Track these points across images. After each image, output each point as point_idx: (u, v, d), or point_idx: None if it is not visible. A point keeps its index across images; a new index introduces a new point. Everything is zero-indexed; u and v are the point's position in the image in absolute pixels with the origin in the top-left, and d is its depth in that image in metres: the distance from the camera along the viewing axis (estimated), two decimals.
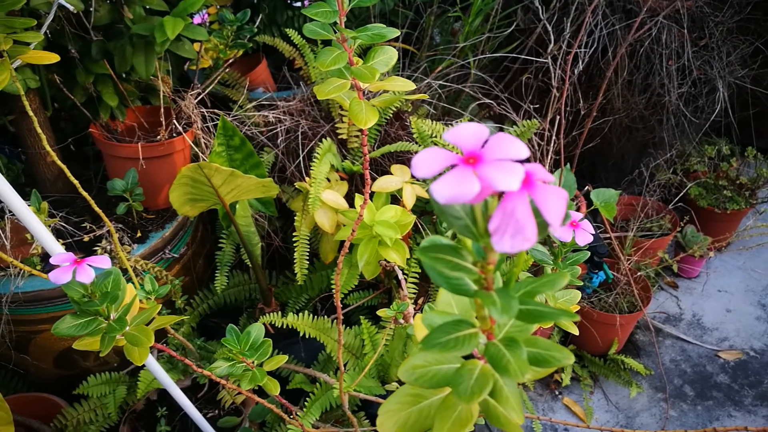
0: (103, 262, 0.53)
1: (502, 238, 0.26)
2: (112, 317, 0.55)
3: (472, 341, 0.35)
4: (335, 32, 0.44)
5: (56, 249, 0.88)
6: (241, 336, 0.67)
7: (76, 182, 0.92)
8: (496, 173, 0.23)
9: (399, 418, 0.44)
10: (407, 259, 1.26)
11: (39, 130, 0.87)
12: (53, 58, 0.72)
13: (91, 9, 1.29)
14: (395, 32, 0.45)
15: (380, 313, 1.08)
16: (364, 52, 0.49)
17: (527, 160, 0.25)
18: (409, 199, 1.30)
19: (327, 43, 0.45)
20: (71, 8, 1.08)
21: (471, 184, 0.23)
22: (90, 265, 0.52)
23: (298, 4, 1.96)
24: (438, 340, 0.34)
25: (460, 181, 0.23)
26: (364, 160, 0.58)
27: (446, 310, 0.44)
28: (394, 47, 1.41)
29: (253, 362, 0.68)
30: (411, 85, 0.47)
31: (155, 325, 0.60)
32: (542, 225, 0.26)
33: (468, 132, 0.26)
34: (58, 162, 0.90)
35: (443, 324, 0.35)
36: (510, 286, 0.33)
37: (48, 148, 0.88)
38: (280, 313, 1.27)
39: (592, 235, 1.58)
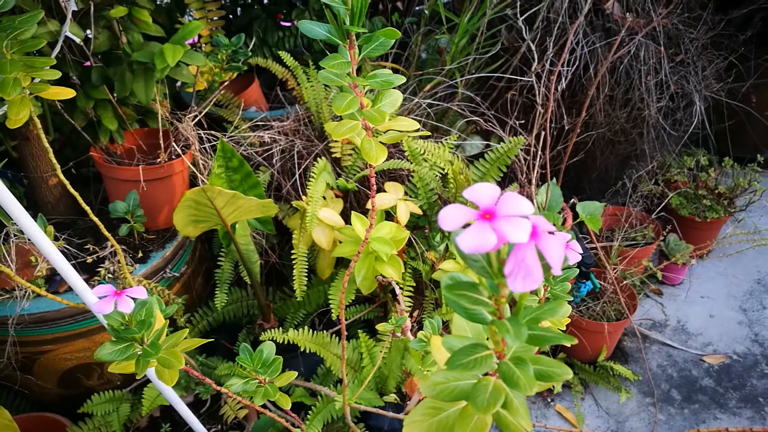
0: (140, 293, 0.56)
1: (516, 281, 0.32)
2: (145, 342, 0.58)
3: (488, 362, 0.40)
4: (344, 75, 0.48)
5: (68, 270, 0.91)
6: (254, 354, 0.71)
7: (87, 208, 0.96)
8: (509, 228, 0.29)
9: (423, 428, 0.48)
10: (402, 273, 1.31)
11: (52, 159, 0.91)
12: (69, 93, 0.76)
13: (91, 36, 1.33)
14: (401, 79, 0.49)
15: (379, 327, 1.12)
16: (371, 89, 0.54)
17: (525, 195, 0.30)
18: (403, 216, 1.35)
19: (319, 67, 0.50)
20: (77, 40, 1.12)
21: (489, 238, 0.28)
22: (128, 296, 0.56)
23: (288, 24, 2.02)
24: (460, 362, 0.40)
25: (481, 235, 0.28)
26: (372, 199, 0.62)
27: (461, 333, 0.48)
28: (384, 67, 1.46)
29: (265, 379, 0.72)
30: (416, 125, 0.52)
31: (182, 348, 0.64)
32: (546, 267, 0.32)
33: (483, 191, 0.31)
34: (70, 188, 0.94)
35: (463, 348, 0.40)
36: (519, 315, 0.38)
37: (60, 173, 0.92)
38: (280, 329, 1.31)
39: (581, 253, 1.64)
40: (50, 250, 0.86)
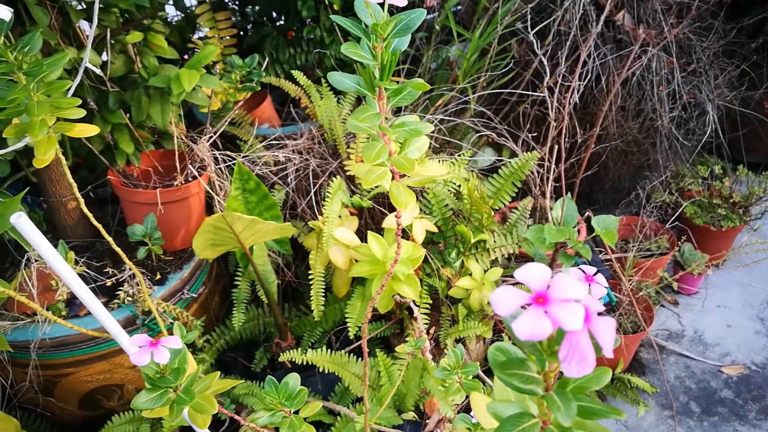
0: (175, 342, 0.57)
1: (570, 365, 0.33)
2: (179, 389, 0.59)
3: (534, 430, 0.40)
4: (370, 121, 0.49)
5: (87, 297, 0.92)
6: (279, 386, 0.72)
7: (106, 235, 0.97)
8: (563, 314, 0.29)
9: None
10: (419, 291, 1.31)
11: (71, 181, 0.92)
12: (94, 130, 0.78)
13: (107, 61, 1.35)
14: (429, 127, 0.50)
15: (399, 349, 1.13)
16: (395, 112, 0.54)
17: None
18: (419, 235, 1.35)
19: (332, 87, 0.50)
20: (97, 70, 1.13)
21: (545, 326, 0.29)
22: (164, 346, 0.56)
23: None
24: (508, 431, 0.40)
25: (536, 323, 0.29)
26: (398, 248, 0.63)
27: (503, 396, 0.49)
28: (397, 83, 1.47)
29: (290, 410, 0.72)
30: (444, 171, 0.52)
31: (212, 390, 0.65)
32: (597, 347, 0.33)
33: (534, 274, 0.31)
34: (92, 218, 0.95)
35: (510, 417, 0.41)
36: (566, 388, 0.39)
37: (82, 203, 0.93)
38: (299, 349, 1.31)
39: (594, 261, 1.62)
40: (70, 279, 0.87)
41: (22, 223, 0.72)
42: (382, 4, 0.43)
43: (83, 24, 1.37)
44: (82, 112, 0.74)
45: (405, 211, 0.52)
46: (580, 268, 0.63)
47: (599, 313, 0.32)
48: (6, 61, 0.64)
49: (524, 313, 0.29)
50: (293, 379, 0.74)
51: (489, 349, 0.40)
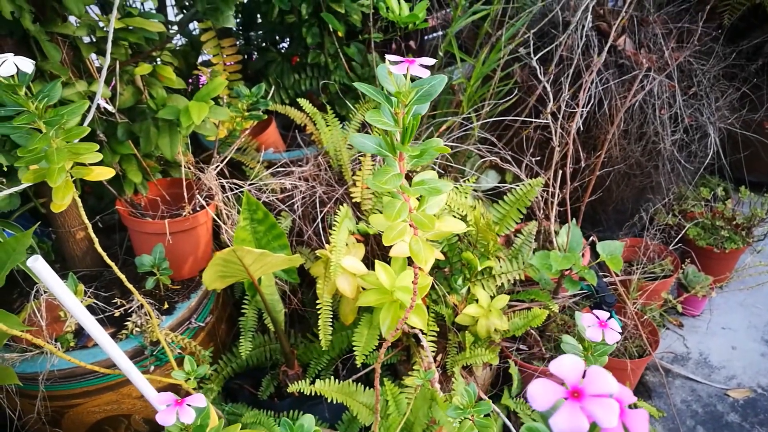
0: (199, 401, 0.58)
1: None
2: None
3: None
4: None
5: (95, 330, 0.93)
6: (294, 428, 0.72)
7: (117, 270, 0.97)
8: (600, 411, 0.30)
9: None
10: (426, 320, 1.31)
11: (84, 218, 0.93)
12: (110, 173, 0.79)
13: (116, 93, 1.36)
14: (449, 186, 0.51)
15: (408, 382, 1.13)
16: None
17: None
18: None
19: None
20: (109, 108, 1.15)
21: (582, 423, 0.29)
22: (189, 405, 0.57)
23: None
24: None
25: (573, 419, 0.30)
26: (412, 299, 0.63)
27: None
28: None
29: None
30: (462, 226, 0.53)
31: None
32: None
33: (569, 366, 0.32)
34: (102, 253, 0.96)
35: None
36: None
37: (89, 227, 0.94)
38: (307, 379, 1.31)
39: (600, 286, 1.62)
40: (83, 318, 0.88)
41: (39, 266, 0.73)
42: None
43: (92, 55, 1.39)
44: (99, 156, 0.75)
45: (425, 266, 0.52)
46: (593, 314, 0.63)
47: (630, 406, 0.32)
48: (27, 112, 0.65)
49: (561, 409, 0.30)
50: (308, 421, 0.74)
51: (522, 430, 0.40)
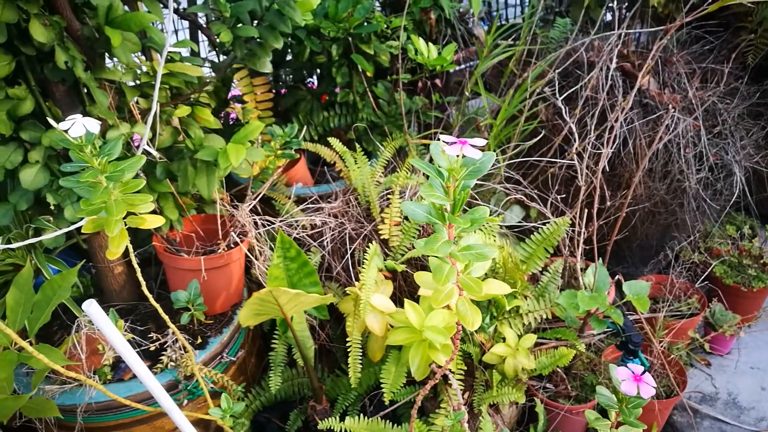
0: None
1: None
2: None
3: None
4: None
5: (136, 364, 0.96)
6: None
7: (155, 304, 1.01)
8: None
9: None
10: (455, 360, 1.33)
11: (131, 253, 0.97)
12: (160, 221, 0.83)
13: (156, 133, 1.42)
14: (495, 252, 0.54)
15: (438, 422, 1.14)
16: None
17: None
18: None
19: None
20: (153, 152, 1.20)
21: None
22: None
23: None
24: None
25: None
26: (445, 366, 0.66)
27: None
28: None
29: None
30: (507, 289, 0.56)
31: None
32: None
33: None
34: (148, 295, 0.99)
35: None
36: None
37: (134, 261, 0.98)
38: (336, 416, 1.33)
39: (626, 325, 1.63)
40: (126, 352, 0.91)
41: (93, 310, 0.77)
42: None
43: None
44: (152, 206, 0.79)
45: (473, 329, 0.55)
46: (628, 367, 0.65)
47: None
48: (92, 168, 0.70)
49: None
50: None
51: None
